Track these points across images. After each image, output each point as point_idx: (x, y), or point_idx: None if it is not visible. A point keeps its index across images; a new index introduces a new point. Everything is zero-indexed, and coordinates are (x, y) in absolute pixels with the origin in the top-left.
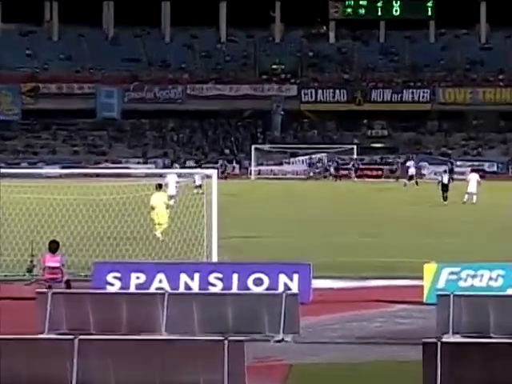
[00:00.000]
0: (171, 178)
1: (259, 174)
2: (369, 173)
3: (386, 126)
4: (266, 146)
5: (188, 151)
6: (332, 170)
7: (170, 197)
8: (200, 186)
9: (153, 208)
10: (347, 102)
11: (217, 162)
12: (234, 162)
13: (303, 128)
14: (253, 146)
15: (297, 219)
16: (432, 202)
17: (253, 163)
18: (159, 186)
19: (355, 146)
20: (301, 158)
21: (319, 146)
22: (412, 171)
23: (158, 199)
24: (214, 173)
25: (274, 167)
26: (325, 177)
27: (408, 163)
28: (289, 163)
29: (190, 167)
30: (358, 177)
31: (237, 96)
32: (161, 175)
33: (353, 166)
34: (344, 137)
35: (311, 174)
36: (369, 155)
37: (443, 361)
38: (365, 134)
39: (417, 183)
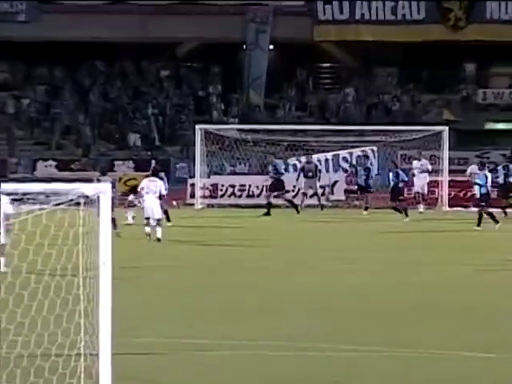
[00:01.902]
0: None
1: (213, 195)
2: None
3: None
4: (231, 128)
5: (44, 140)
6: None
7: None
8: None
9: None
10: (427, 22)
11: (111, 169)
12: (153, 165)
13: (319, 85)
14: (198, 128)
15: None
16: None
17: (197, 169)
18: None
19: (446, 129)
20: (322, 156)
21: (357, 127)
22: None
23: None
24: (104, 191)
25: (249, 179)
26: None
27: None
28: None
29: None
30: (457, 202)
31: (162, 9)
32: None
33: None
34: (419, 106)
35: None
36: (479, 149)
37: None
38: (468, 98)
39: None
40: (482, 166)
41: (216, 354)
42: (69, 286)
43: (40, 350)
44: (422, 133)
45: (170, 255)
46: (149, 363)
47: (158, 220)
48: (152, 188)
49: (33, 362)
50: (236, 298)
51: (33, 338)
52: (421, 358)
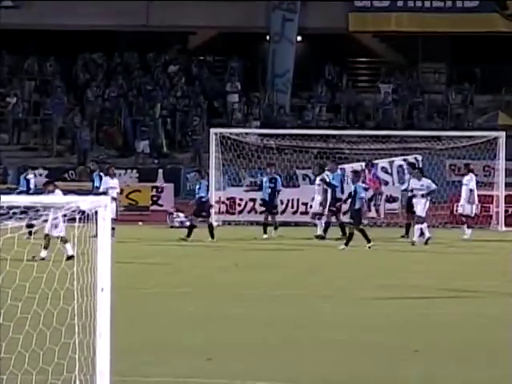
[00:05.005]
0: None
1: (230, 210)
2: None
3: None
4: (252, 133)
5: (32, 145)
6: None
7: None
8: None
9: None
10: (481, 10)
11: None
12: (161, 178)
13: (353, 82)
14: (213, 132)
15: None
16: None
17: (212, 180)
18: None
19: (503, 135)
20: (357, 165)
21: (398, 133)
22: None
23: None
24: (103, 205)
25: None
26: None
27: None
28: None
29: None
30: None
31: None
32: None
33: None
34: (471, 108)
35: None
36: None
37: None
38: None
39: None
40: None
41: None
42: (61, 315)
43: None
44: (474, 139)
45: (179, 280)
46: None
47: (63, 237)
48: None
49: None
50: (255, 332)
51: (19, 376)
52: None
